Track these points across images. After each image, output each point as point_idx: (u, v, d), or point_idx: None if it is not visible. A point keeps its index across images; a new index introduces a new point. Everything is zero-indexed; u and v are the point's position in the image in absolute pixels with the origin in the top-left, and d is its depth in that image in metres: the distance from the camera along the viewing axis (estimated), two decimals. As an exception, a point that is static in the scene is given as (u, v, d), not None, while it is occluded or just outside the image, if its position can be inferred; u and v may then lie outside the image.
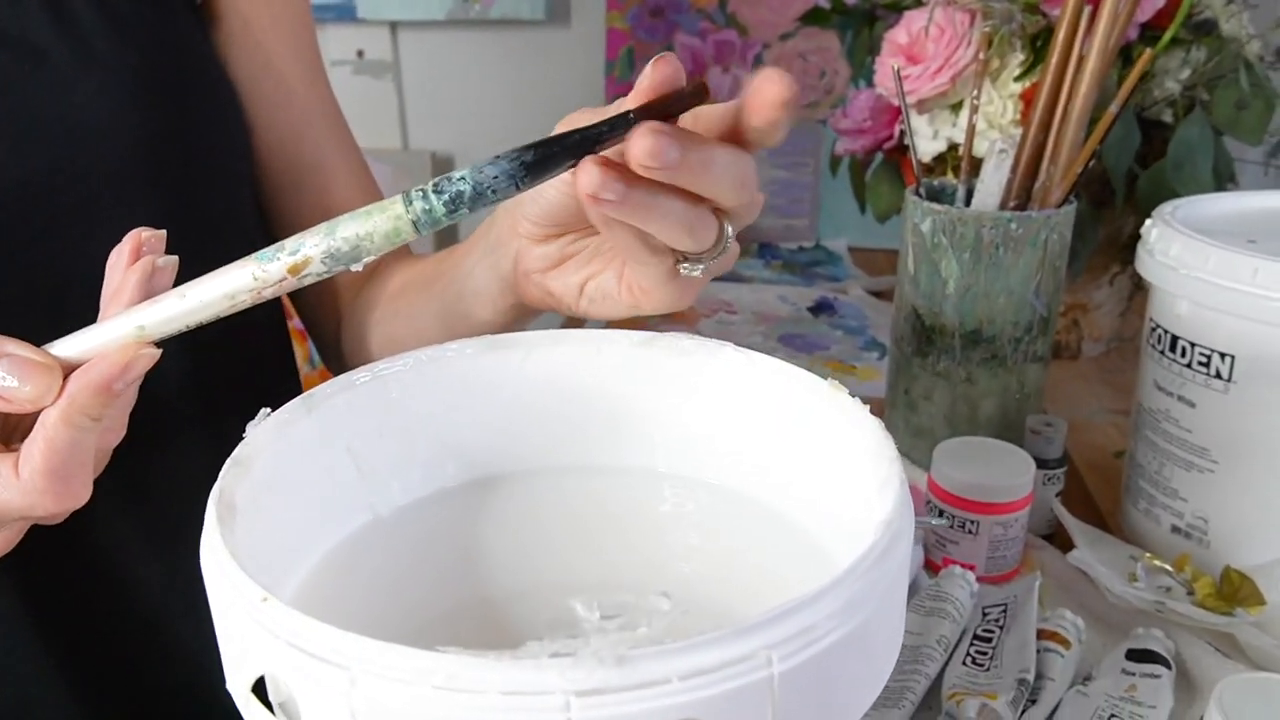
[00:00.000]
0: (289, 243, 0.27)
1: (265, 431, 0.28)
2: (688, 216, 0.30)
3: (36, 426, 0.28)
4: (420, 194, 0.26)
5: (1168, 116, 0.74)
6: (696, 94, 0.29)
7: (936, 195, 0.60)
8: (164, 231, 0.31)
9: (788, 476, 0.32)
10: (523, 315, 0.44)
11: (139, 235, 0.30)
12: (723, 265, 0.35)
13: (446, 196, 0.26)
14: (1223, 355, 0.48)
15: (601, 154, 0.28)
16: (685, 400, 0.34)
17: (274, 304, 0.48)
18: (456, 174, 0.27)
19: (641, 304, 0.37)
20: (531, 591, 0.31)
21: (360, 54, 1.21)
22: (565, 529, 0.33)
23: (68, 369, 0.28)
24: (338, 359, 0.58)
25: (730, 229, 0.33)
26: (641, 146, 0.27)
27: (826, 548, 0.30)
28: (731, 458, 0.33)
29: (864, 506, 0.27)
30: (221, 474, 0.25)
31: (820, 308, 0.94)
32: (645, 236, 0.32)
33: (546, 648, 0.18)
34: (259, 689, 0.22)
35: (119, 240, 0.30)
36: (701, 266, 0.34)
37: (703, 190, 0.30)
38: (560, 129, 0.32)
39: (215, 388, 0.50)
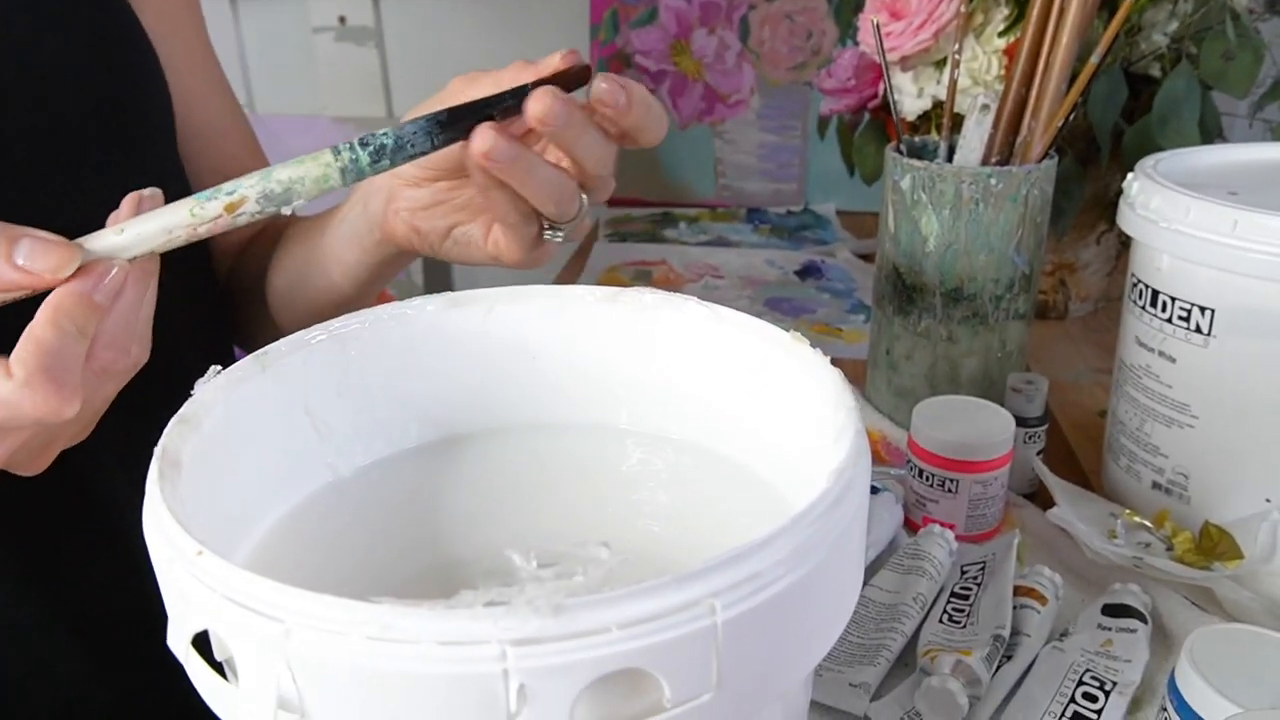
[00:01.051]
0: (227, 185, 0.29)
1: (215, 389, 0.27)
2: (558, 185, 0.36)
3: (26, 330, 0.29)
4: (348, 146, 0.30)
5: (1155, 71, 0.73)
6: (580, 76, 0.36)
7: (918, 152, 0.59)
8: (160, 191, 0.32)
9: (751, 429, 0.31)
10: (385, 257, 0.48)
11: (138, 196, 0.31)
12: (578, 233, 0.41)
13: (371, 149, 0.30)
14: (1203, 309, 0.48)
15: (497, 121, 0.33)
16: (649, 355, 0.33)
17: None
18: (381, 131, 0.30)
19: (502, 258, 0.42)
20: (494, 551, 0.31)
21: (342, 20, 1.20)
22: (529, 487, 0.33)
23: None
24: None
25: (586, 201, 0.39)
26: (543, 105, 0.33)
27: (790, 499, 0.30)
28: (695, 412, 0.33)
29: (823, 457, 0.26)
30: (166, 431, 0.25)
31: (807, 271, 0.94)
32: (518, 202, 0.37)
33: (481, 596, 0.18)
34: (201, 646, 0.21)
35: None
36: (562, 234, 0.40)
37: (577, 157, 0.36)
38: (456, 87, 0.38)
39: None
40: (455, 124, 0.32)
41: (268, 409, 0.29)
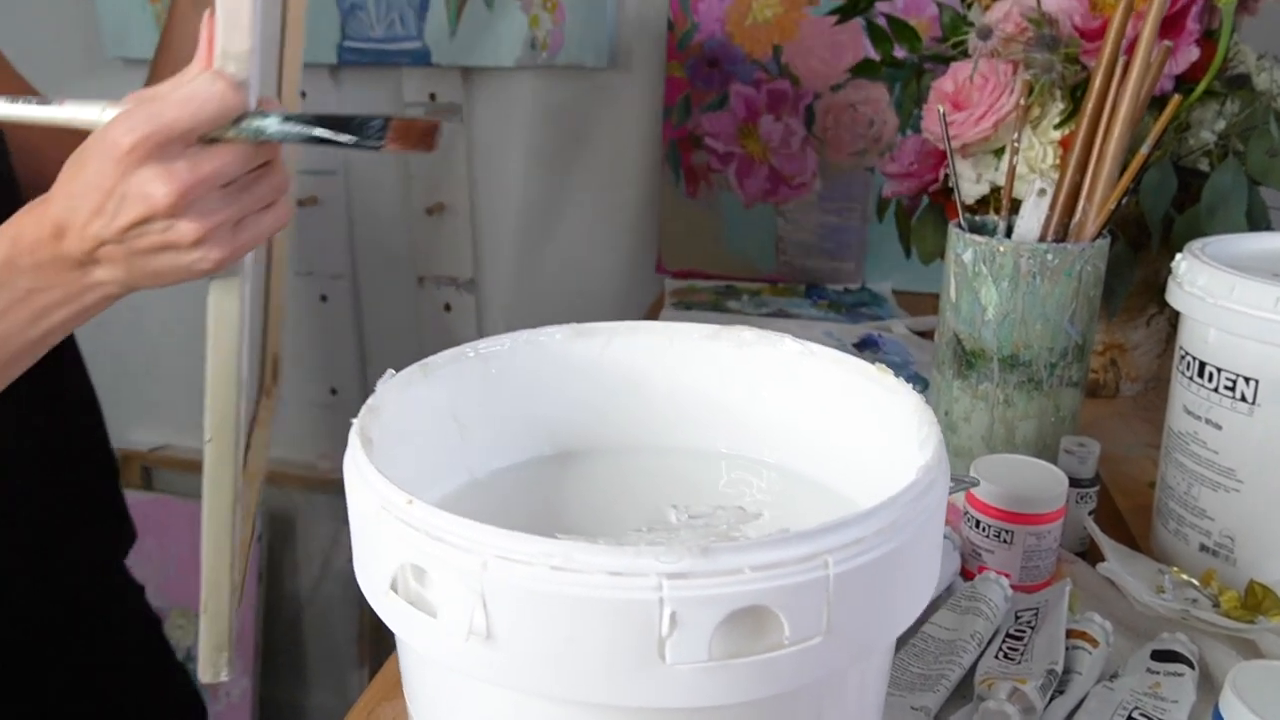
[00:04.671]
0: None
1: (391, 389, 0.32)
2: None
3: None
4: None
5: (1204, 165, 0.77)
6: (426, 135, 0.43)
7: (978, 229, 0.64)
8: None
9: (838, 453, 0.36)
10: None
11: None
12: None
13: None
14: (1247, 379, 0.51)
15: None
16: (747, 385, 0.38)
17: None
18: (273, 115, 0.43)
19: None
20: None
21: (433, 97, 1.29)
22: (635, 502, 0.38)
23: None
24: None
25: None
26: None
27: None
28: (787, 437, 0.37)
29: (906, 471, 0.31)
30: (359, 416, 0.30)
31: (865, 344, 0.98)
32: None
33: (644, 537, 0.22)
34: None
35: None
36: None
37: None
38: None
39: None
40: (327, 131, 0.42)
41: (426, 411, 0.34)
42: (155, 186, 0.42)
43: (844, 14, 0.97)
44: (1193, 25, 0.68)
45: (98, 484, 0.76)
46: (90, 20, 1.34)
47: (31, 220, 0.45)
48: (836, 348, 0.99)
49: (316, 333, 1.44)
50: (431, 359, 0.35)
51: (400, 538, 0.25)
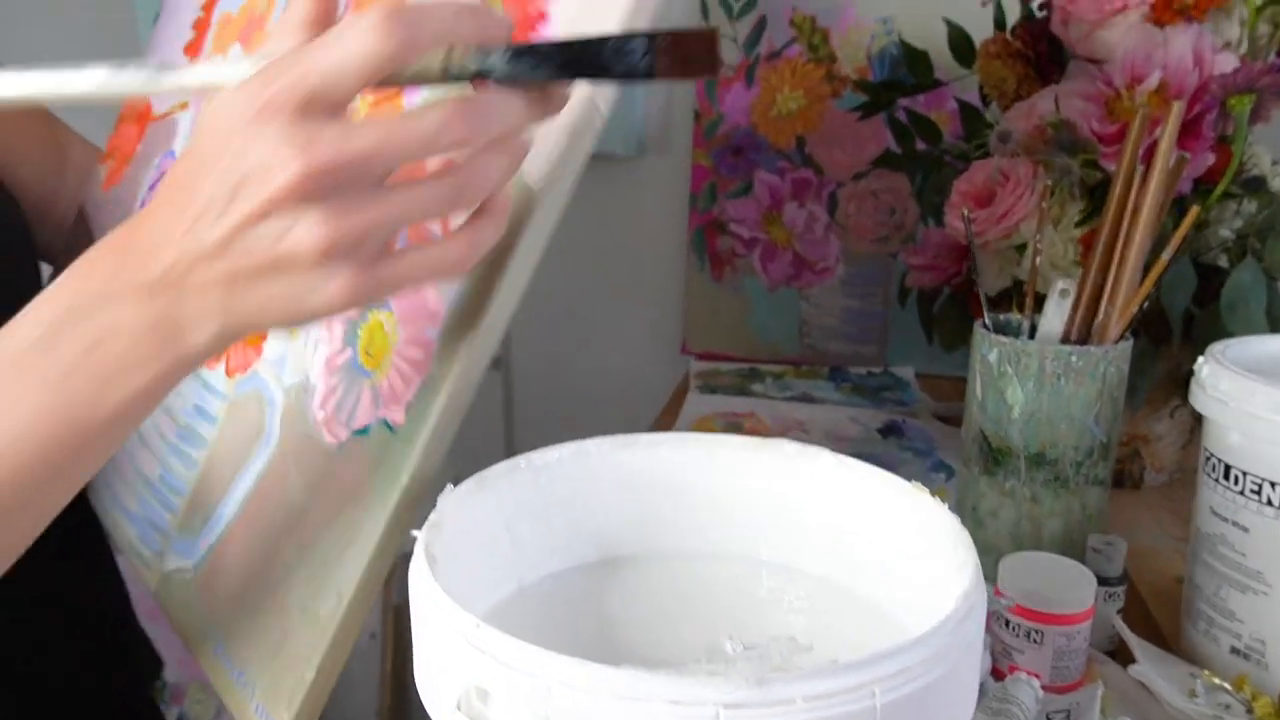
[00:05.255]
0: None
1: (452, 501, 0.34)
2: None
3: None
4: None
5: (1222, 261, 0.79)
6: (707, 50, 0.33)
7: (1002, 328, 0.66)
8: None
9: (875, 564, 0.37)
10: None
11: None
12: None
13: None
14: (1273, 484, 0.52)
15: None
16: (787, 496, 0.39)
17: None
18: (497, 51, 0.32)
19: None
20: (655, 660, 0.36)
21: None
22: (679, 607, 0.39)
23: None
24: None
25: None
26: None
27: (907, 627, 0.35)
28: (826, 547, 0.39)
29: (941, 589, 0.32)
30: (423, 533, 0.32)
31: (889, 430, 0.99)
32: None
33: (703, 667, 0.24)
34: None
35: None
36: None
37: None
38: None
39: None
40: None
41: (481, 521, 0.36)
42: (281, 157, 0.30)
43: (868, 110, 1.00)
44: (1208, 132, 0.71)
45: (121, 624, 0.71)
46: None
47: (116, 239, 0.34)
48: (861, 434, 1.00)
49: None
50: (488, 472, 0.36)
51: (468, 660, 0.26)
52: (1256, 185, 0.76)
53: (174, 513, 0.54)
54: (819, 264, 1.21)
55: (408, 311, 0.44)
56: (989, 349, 0.62)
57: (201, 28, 0.68)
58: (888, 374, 1.20)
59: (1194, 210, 0.58)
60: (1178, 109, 0.58)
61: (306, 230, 0.30)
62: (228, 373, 0.54)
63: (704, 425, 1.00)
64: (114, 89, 0.36)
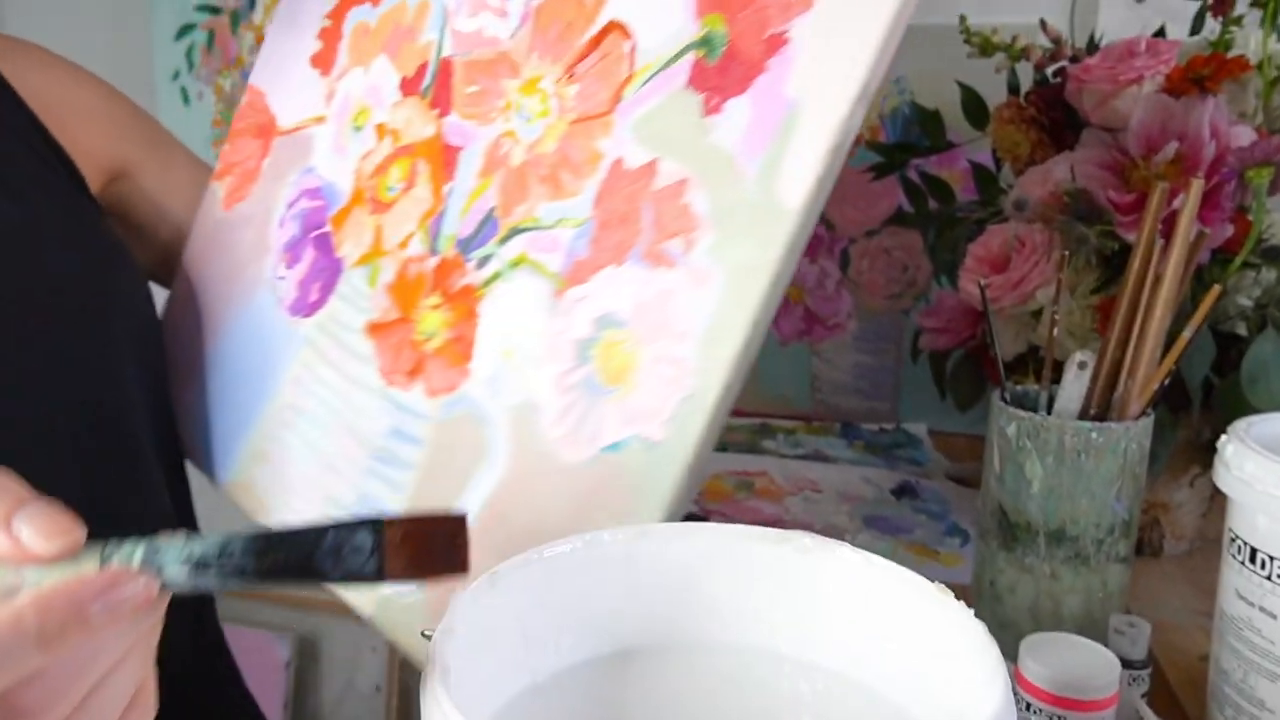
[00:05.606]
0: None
1: (464, 603, 0.33)
2: None
3: None
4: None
5: (1241, 329, 0.78)
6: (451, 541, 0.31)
7: (1020, 400, 0.65)
8: None
9: (896, 665, 0.36)
10: None
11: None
12: None
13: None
14: (1301, 570, 0.51)
15: None
16: (806, 591, 0.38)
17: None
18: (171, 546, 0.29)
19: None
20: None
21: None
22: (696, 703, 0.38)
23: None
24: None
25: None
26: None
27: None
28: (845, 644, 0.38)
29: (967, 698, 0.31)
30: (436, 639, 0.31)
31: (903, 491, 0.98)
32: None
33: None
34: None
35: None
36: None
37: None
38: None
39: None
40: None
41: (493, 620, 0.35)
42: None
43: (881, 171, 1.00)
44: (1226, 204, 0.70)
45: None
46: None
47: None
48: (874, 495, 0.99)
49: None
50: (500, 568, 0.35)
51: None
52: (1275, 254, 0.76)
53: None
54: (831, 319, 1.21)
55: (648, 331, 0.46)
56: (1007, 422, 0.61)
57: (331, 38, 0.67)
58: (900, 431, 1.19)
59: (1215, 290, 0.57)
60: (1197, 187, 0.57)
61: None
62: (429, 394, 0.54)
63: (715, 484, 0.99)
64: None
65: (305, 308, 0.62)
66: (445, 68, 0.59)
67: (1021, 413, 0.61)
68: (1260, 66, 0.76)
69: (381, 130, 0.61)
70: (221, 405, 0.64)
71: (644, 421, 0.45)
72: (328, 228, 0.62)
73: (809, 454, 1.09)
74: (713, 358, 0.44)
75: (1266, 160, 0.67)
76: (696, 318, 0.45)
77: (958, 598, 0.34)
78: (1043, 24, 0.88)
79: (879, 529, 0.90)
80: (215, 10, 1.44)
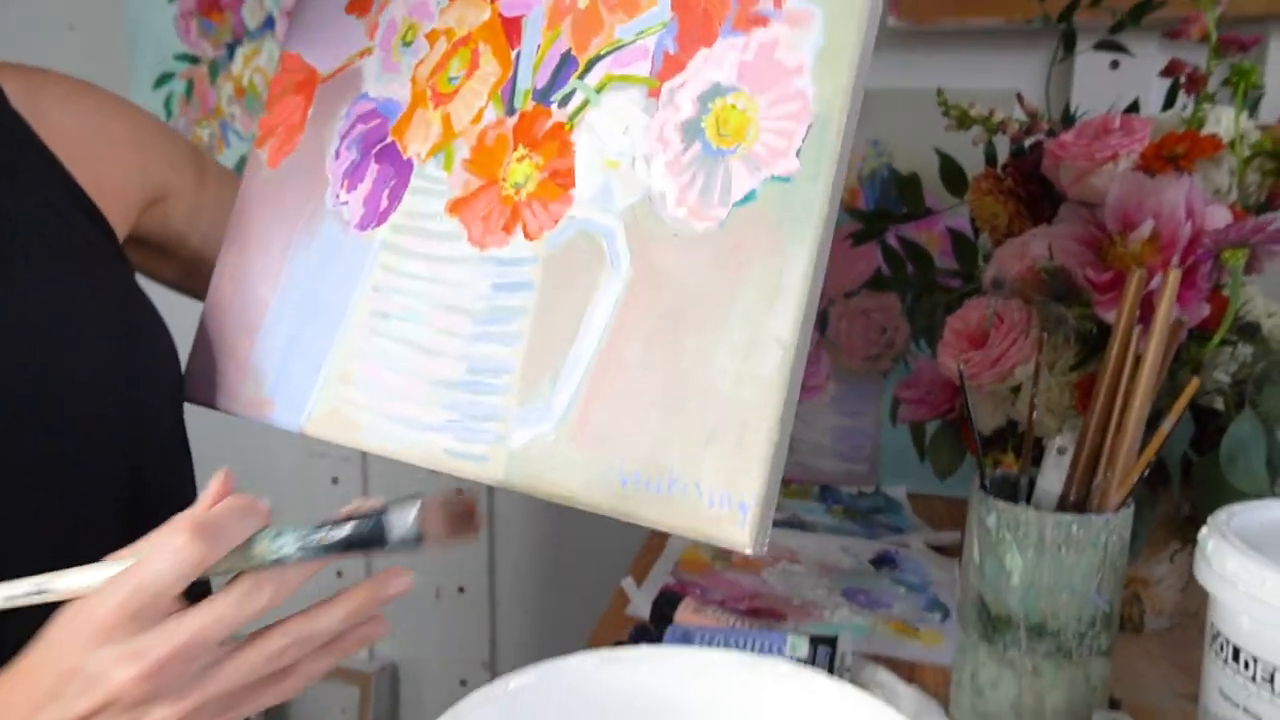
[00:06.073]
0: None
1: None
2: None
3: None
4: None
5: (1219, 404, 0.78)
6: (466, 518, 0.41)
7: (1000, 486, 0.64)
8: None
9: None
10: None
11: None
12: None
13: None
14: (1286, 674, 0.50)
15: None
16: (780, 716, 0.37)
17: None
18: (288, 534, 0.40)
19: None
20: None
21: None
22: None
23: None
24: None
25: None
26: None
27: None
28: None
29: None
30: None
31: (882, 561, 0.97)
32: None
33: None
34: None
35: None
36: None
37: None
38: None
39: None
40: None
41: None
42: (119, 668, 0.36)
43: (859, 238, 1.00)
44: (1203, 284, 0.70)
45: None
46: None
47: None
48: (853, 565, 0.97)
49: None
50: (460, 706, 0.34)
51: None
52: (1252, 331, 0.76)
53: (505, 393, 0.54)
54: (809, 381, 1.20)
55: (759, 81, 0.50)
56: (987, 512, 0.60)
57: None
58: (879, 494, 1.18)
59: (1194, 383, 0.57)
60: (1174, 277, 0.57)
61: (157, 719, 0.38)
62: (528, 236, 0.56)
63: (692, 553, 0.97)
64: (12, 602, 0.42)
65: (376, 217, 0.62)
66: None
67: (1002, 504, 0.60)
68: (1233, 145, 0.76)
69: (434, 35, 0.63)
70: (292, 347, 0.63)
71: (774, 161, 0.49)
72: (389, 139, 0.63)
73: (788, 519, 1.08)
74: (831, 82, 0.48)
75: (1242, 242, 0.67)
76: (806, 51, 0.49)
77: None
78: (1019, 98, 0.89)
79: (858, 603, 0.88)
80: (194, 60, 1.44)
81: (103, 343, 0.57)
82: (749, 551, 0.44)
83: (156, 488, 0.61)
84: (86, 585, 0.40)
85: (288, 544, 0.39)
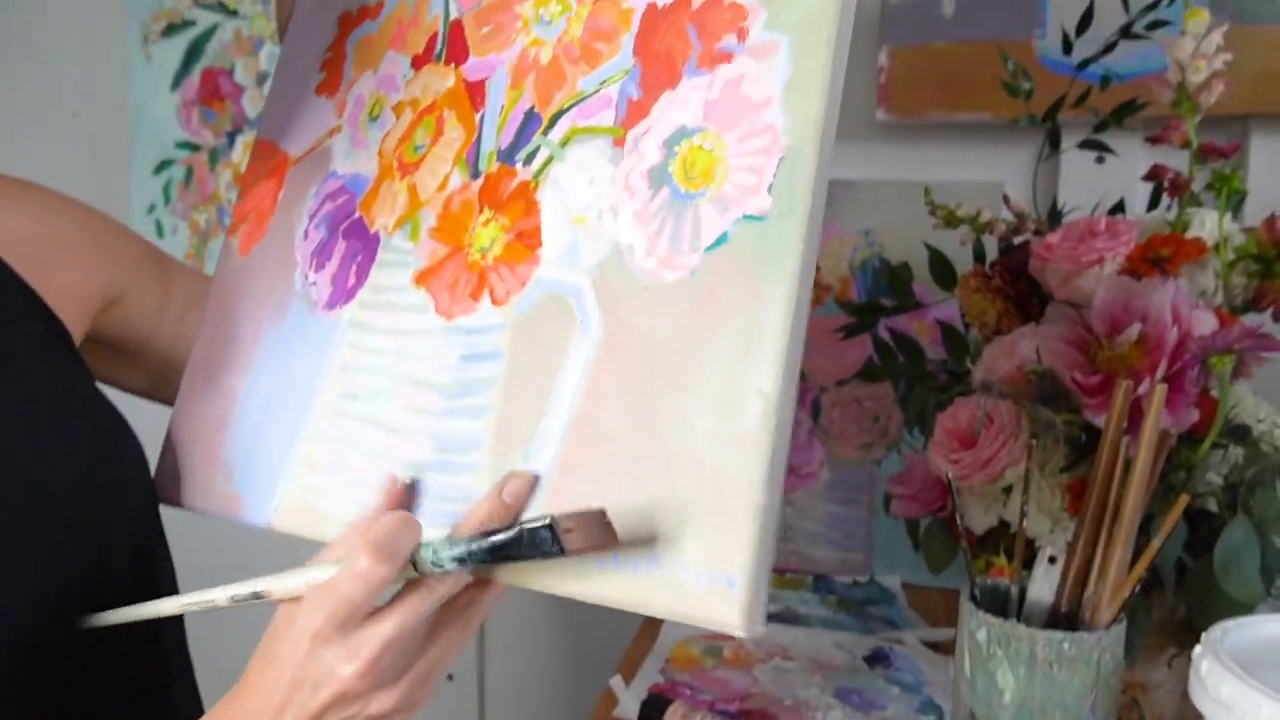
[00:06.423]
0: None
1: None
2: None
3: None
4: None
5: (1212, 505, 0.77)
6: (603, 526, 0.45)
7: (990, 596, 0.63)
8: None
9: None
10: None
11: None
12: None
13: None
14: (1285, 806, 0.49)
15: None
16: None
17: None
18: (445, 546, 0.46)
19: None
20: None
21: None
22: None
23: None
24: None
25: None
26: None
27: None
28: None
29: None
30: None
31: (876, 658, 0.95)
32: None
33: None
34: None
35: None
36: None
37: None
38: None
39: None
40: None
41: None
42: (342, 665, 0.44)
43: (851, 331, 1.00)
44: (1191, 389, 0.70)
45: None
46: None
47: (224, 718, 0.47)
48: (847, 663, 0.96)
49: None
50: None
51: None
52: (1242, 434, 0.75)
53: (474, 471, 0.52)
54: (803, 469, 1.20)
55: (726, 118, 0.48)
56: (977, 626, 0.59)
57: (335, 63, 0.67)
58: (874, 584, 1.16)
59: (1183, 499, 0.56)
60: (1160, 392, 0.57)
61: (380, 704, 0.46)
62: (495, 302, 0.54)
63: (683, 650, 0.95)
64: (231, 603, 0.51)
65: (344, 294, 0.61)
66: (456, 28, 0.60)
67: (992, 619, 0.59)
68: (1218, 248, 0.77)
69: (400, 107, 0.62)
70: (259, 437, 0.61)
71: (745, 199, 0.47)
72: (357, 214, 0.62)
73: (781, 612, 1.06)
74: (801, 112, 0.46)
75: (1228, 349, 0.68)
76: (774, 82, 0.47)
77: None
78: (1005, 199, 0.90)
79: (851, 704, 0.87)
80: (195, 148, 1.46)
81: (65, 469, 0.56)
82: (740, 633, 0.41)
83: (126, 583, 0.59)
84: (297, 588, 0.47)
85: (444, 558, 0.45)
